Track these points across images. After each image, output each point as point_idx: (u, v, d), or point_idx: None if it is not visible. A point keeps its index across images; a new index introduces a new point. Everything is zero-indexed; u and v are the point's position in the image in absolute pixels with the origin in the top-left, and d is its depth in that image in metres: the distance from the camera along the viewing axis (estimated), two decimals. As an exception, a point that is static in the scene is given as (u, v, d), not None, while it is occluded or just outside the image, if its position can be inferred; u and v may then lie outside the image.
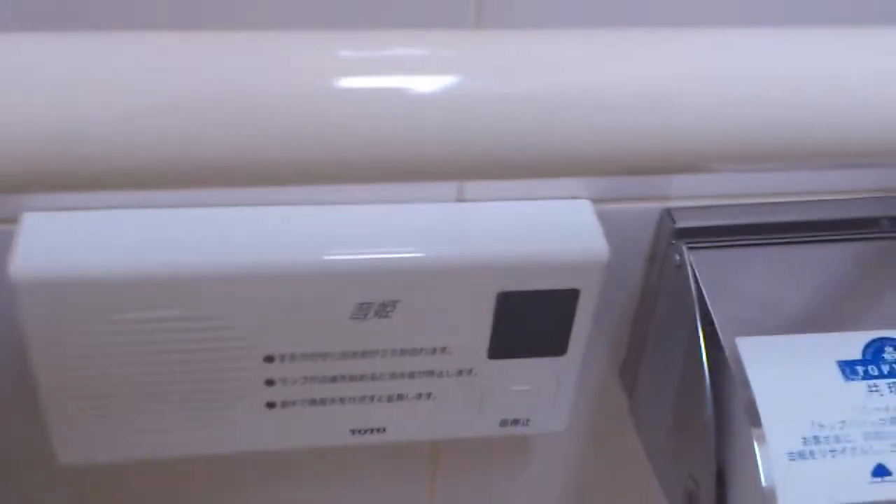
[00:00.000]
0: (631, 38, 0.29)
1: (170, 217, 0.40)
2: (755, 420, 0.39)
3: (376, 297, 0.41)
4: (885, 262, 0.46)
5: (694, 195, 0.45)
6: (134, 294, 0.39)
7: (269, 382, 0.43)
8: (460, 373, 0.45)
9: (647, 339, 0.48)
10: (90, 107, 0.25)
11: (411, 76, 0.27)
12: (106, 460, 0.45)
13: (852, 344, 0.41)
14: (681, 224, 0.44)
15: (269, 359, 0.42)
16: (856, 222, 0.46)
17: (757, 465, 0.39)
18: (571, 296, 0.43)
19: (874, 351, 0.41)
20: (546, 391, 0.46)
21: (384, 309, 0.42)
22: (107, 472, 0.50)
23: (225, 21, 0.36)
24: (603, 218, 0.43)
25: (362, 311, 0.41)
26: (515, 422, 0.47)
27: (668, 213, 0.45)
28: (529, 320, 0.43)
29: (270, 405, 0.44)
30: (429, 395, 0.45)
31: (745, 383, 0.40)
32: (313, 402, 0.44)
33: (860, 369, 0.40)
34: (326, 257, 0.40)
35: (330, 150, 0.27)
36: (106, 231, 0.39)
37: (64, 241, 0.39)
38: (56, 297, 0.38)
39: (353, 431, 0.46)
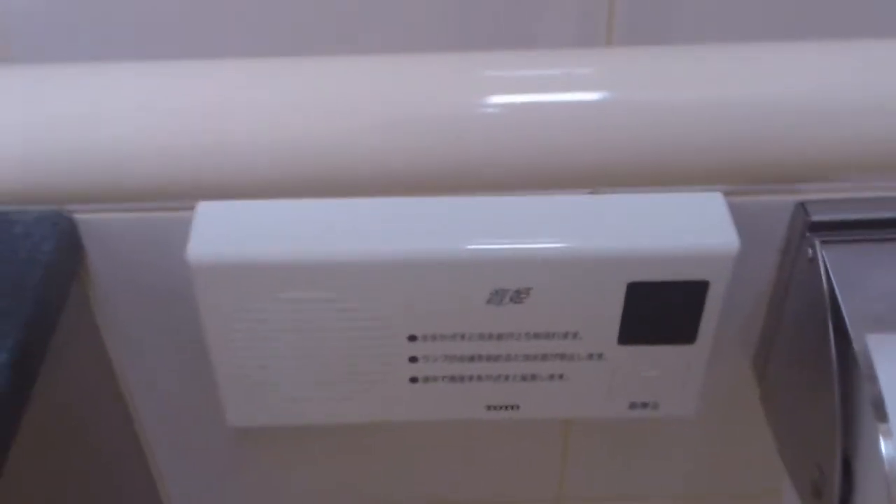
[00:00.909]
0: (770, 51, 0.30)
1: (327, 207, 0.44)
2: (882, 415, 0.40)
3: (511, 284, 0.44)
4: None
5: (829, 188, 0.45)
6: (295, 277, 0.43)
7: (413, 360, 0.46)
8: (591, 357, 0.47)
9: (780, 330, 0.48)
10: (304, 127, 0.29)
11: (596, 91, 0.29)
12: (268, 423, 0.49)
13: None
14: (815, 218, 0.44)
15: (412, 338, 0.46)
16: None
17: (882, 460, 0.39)
18: (701, 287, 0.44)
19: None
20: (675, 377, 0.48)
21: (518, 295, 0.44)
22: (267, 434, 0.55)
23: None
24: (736, 209, 0.44)
25: (498, 297, 0.44)
26: (645, 405, 0.49)
27: (801, 207, 0.45)
28: (659, 309, 0.45)
29: (413, 380, 0.47)
30: (560, 376, 0.48)
31: (874, 379, 0.40)
32: (452, 378, 0.47)
33: None
34: (466, 246, 0.43)
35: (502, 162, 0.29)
36: (271, 219, 0.44)
37: (234, 227, 0.43)
38: (227, 278, 0.43)
39: (488, 407, 0.49)
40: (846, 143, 0.29)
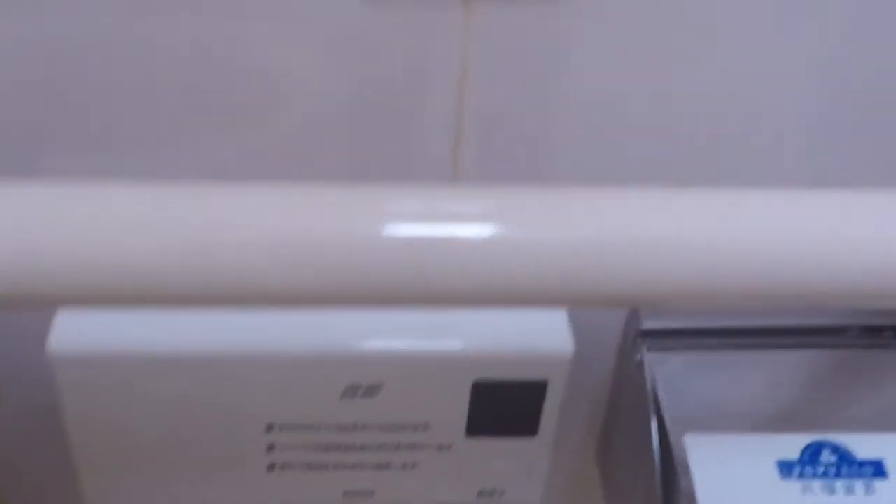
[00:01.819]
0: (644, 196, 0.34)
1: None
2: (694, 511, 0.43)
3: (363, 380, 0.47)
4: (843, 370, 0.50)
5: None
6: (153, 369, 0.45)
7: (270, 448, 0.49)
8: (440, 448, 0.50)
9: (617, 425, 0.52)
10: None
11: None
12: (128, 508, 0.51)
13: (792, 445, 0.45)
14: (646, 325, 0.49)
15: (269, 427, 0.48)
16: (823, 329, 0.49)
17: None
18: (540, 386, 0.47)
19: (812, 453, 0.45)
20: (520, 467, 0.51)
21: (371, 390, 0.47)
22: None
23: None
24: (576, 313, 0.48)
25: (351, 391, 0.47)
26: (492, 493, 0.52)
27: (635, 313, 0.49)
28: (503, 405, 0.48)
29: (271, 468, 0.49)
30: (413, 465, 0.50)
31: (689, 478, 0.44)
32: (309, 466, 0.50)
33: (796, 469, 0.44)
34: (320, 344, 0.46)
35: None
36: (131, 314, 0.46)
37: (94, 322, 0.45)
38: (87, 371, 0.45)
39: (344, 494, 0.51)
40: (679, 279, 0.34)
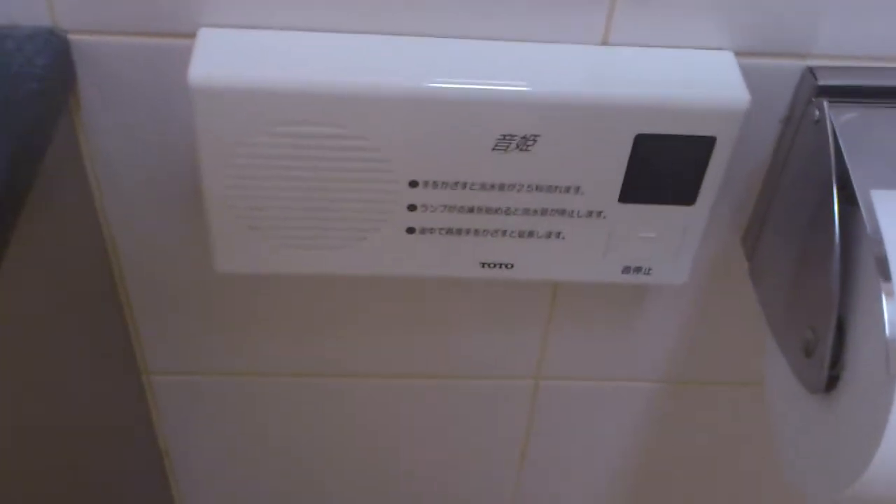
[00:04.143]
0: None
1: (331, 40, 0.43)
2: (885, 273, 0.40)
3: (519, 129, 0.43)
4: None
5: (836, 55, 0.45)
6: (298, 107, 0.42)
7: (412, 207, 0.46)
8: (590, 214, 0.46)
9: (774, 201, 0.49)
10: None
11: None
12: (256, 271, 0.48)
13: None
14: (822, 82, 0.44)
15: (413, 184, 0.45)
16: None
17: (882, 316, 0.39)
18: (707, 143, 0.44)
19: None
20: (671, 241, 0.48)
21: (525, 142, 0.44)
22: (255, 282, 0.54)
23: None
24: (745, 72, 0.44)
25: (504, 143, 0.44)
26: (638, 269, 0.49)
27: (809, 71, 0.45)
28: (663, 165, 0.45)
29: (410, 230, 0.47)
30: (558, 234, 0.47)
31: (878, 237, 0.40)
32: (449, 231, 0.47)
33: None
34: (477, 86, 0.42)
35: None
36: (275, 48, 0.42)
37: (236, 54, 0.42)
38: (228, 105, 0.42)
39: (482, 265, 0.48)
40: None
